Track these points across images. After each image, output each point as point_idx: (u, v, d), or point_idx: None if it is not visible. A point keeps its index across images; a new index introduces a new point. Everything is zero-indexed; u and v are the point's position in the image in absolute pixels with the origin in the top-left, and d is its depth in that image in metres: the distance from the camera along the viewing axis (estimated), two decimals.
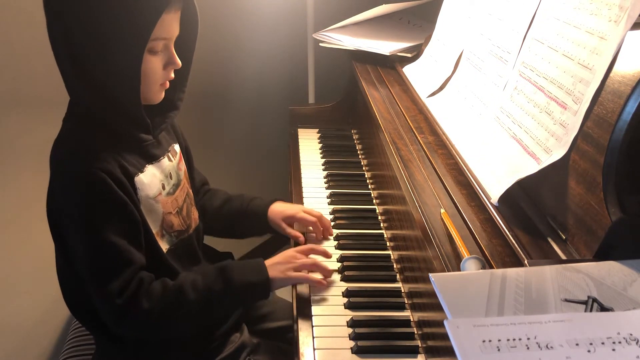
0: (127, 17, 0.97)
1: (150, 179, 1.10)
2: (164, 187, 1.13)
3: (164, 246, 1.12)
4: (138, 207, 1.06)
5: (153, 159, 1.12)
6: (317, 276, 1.15)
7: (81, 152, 1.03)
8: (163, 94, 1.11)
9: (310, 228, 1.32)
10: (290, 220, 1.32)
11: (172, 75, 1.09)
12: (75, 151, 1.04)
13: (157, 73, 1.05)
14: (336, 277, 1.18)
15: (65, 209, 1.04)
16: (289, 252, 1.17)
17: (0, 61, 1.48)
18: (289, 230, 1.31)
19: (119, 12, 0.97)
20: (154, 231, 1.10)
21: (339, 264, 1.23)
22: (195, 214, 1.24)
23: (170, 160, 1.17)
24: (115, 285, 1.01)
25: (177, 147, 1.22)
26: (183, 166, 1.22)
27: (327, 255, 1.21)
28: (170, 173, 1.16)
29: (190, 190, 1.25)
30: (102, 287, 1.02)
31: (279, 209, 1.34)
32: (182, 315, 1.07)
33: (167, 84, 1.10)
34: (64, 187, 1.03)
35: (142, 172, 1.08)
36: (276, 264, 1.14)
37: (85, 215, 1.01)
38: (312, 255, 1.20)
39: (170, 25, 1.03)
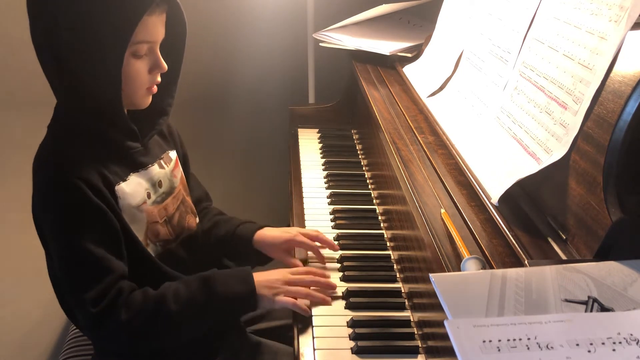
0: (107, 21, 0.96)
1: (134, 187, 1.08)
2: (149, 196, 1.11)
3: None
4: (119, 215, 1.04)
5: (139, 167, 1.11)
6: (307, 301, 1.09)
7: (60, 160, 1.02)
8: (150, 98, 1.09)
9: (311, 253, 1.24)
10: (288, 245, 1.23)
11: (159, 79, 1.08)
12: (55, 159, 1.03)
13: (142, 77, 1.04)
14: (336, 277, 1.18)
15: (44, 215, 1.03)
16: (285, 274, 1.10)
17: (0, 61, 1.48)
18: (288, 259, 1.22)
19: (99, 15, 0.96)
20: (139, 238, 1.08)
21: (339, 264, 1.23)
22: (190, 222, 1.22)
23: (161, 167, 1.15)
24: (91, 294, 0.99)
25: (172, 154, 1.21)
26: (179, 173, 1.21)
27: (326, 277, 1.13)
28: (159, 181, 1.14)
29: (188, 198, 1.23)
30: (78, 295, 1.00)
31: (272, 234, 1.24)
32: (162, 327, 1.04)
33: (155, 89, 1.08)
34: (42, 195, 1.03)
35: (124, 180, 1.07)
36: (267, 283, 1.07)
37: (61, 222, 1.00)
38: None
39: (153, 28, 1.01)
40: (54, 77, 1.02)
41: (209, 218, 1.32)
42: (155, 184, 1.13)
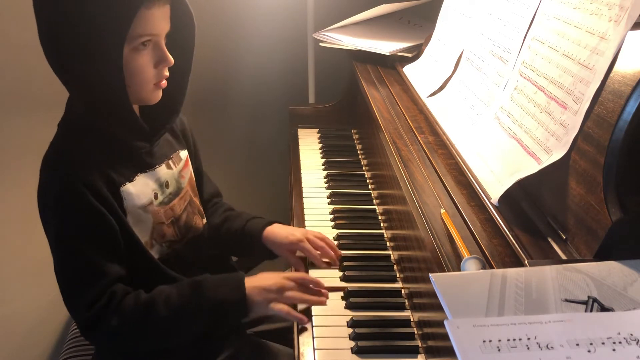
0: (104, 15, 0.95)
1: (140, 188, 1.08)
2: (156, 197, 1.11)
3: (155, 255, 1.11)
4: (121, 217, 1.04)
5: (147, 167, 1.10)
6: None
7: (64, 160, 1.02)
8: (160, 93, 1.08)
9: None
10: (294, 247, 1.23)
11: (167, 73, 1.06)
12: (60, 157, 1.03)
13: (147, 72, 1.03)
14: (336, 277, 1.18)
15: (44, 215, 1.04)
16: (279, 280, 1.08)
17: (1, 61, 1.48)
18: (292, 258, 1.23)
19: (95, 10, 0.95)
20: (142, 241, 1.08)
21: (339, 264, 1.22)
22: (197, 223, 1.22)
23: (169, 168, 1.15)
24: (84, 298, 1.00)
25: (183, 153, 1.20)
26: (188, 174, 1.20)
27: (320, 284, 1.11)
28: (166, 182, 1.14)
29: (196, 199, 1.22)
30: (72, 298, 1.01)
31: (280, 233, 1.24)
32: (150, 332, 1.05)
33: (164, 83, 1.07)
34: (45, 195, 1.03)
35: (130, 181, 1.06)
36: (260, 289, 1.06)
37: (59, 226, 1.01)
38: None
39: (155, 21, 1.00)
40: (63, 74, 1.02)
41: (219, 214, 1.31)
42: (163, 185, 1.13)
